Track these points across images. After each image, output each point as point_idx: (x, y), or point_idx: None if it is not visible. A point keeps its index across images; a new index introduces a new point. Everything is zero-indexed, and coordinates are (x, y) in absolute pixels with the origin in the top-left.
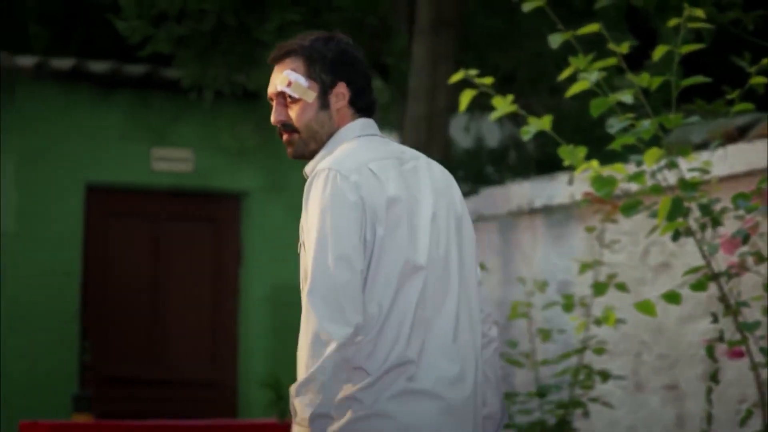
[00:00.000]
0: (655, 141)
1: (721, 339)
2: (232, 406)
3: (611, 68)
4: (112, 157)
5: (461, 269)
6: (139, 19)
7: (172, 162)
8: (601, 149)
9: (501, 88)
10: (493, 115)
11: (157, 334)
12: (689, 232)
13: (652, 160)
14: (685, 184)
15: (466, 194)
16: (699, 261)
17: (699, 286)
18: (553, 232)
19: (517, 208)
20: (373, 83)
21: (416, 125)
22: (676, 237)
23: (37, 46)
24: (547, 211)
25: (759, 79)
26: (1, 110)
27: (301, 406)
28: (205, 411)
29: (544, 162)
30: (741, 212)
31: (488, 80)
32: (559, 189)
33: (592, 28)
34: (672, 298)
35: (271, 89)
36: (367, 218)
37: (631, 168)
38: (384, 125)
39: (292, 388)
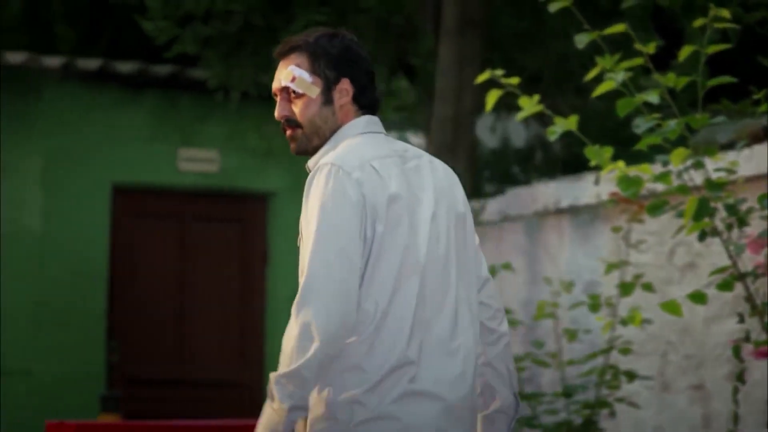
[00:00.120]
0: (681, 141)
1: (747, 339)
2: (259, 406)
3: (638, 68)
4: (139, 158)
5: (461, 268)
6: (165, 19)
7: (199, 162)
8: (628, 149)
9: (527, 89)
10: (520, 115)
11: (184, 334)
12: (715, 232)
13: (678, 160)
14: (711, 184)
15: (492, 194)
16: (725, 261)
17: (725, 286)
18: (580, 233)
19: (543, 208)
20: (376, 82)
21: (442, 126)
22: (702, 237)
23: (64, 47)
24: (574, 211)
25: None
26: (28, 111)
27: (281, 395)
28: (231, 411)
29: (570, 162)
30: (767, 212)
31: (514, 80)
32: (585, 189)
33: (618, 28)
34: (698, 298)
35: (276, 84)
36: (367, 215)
37: (657, 168)
38: (410, 126)
39: (273, 376)
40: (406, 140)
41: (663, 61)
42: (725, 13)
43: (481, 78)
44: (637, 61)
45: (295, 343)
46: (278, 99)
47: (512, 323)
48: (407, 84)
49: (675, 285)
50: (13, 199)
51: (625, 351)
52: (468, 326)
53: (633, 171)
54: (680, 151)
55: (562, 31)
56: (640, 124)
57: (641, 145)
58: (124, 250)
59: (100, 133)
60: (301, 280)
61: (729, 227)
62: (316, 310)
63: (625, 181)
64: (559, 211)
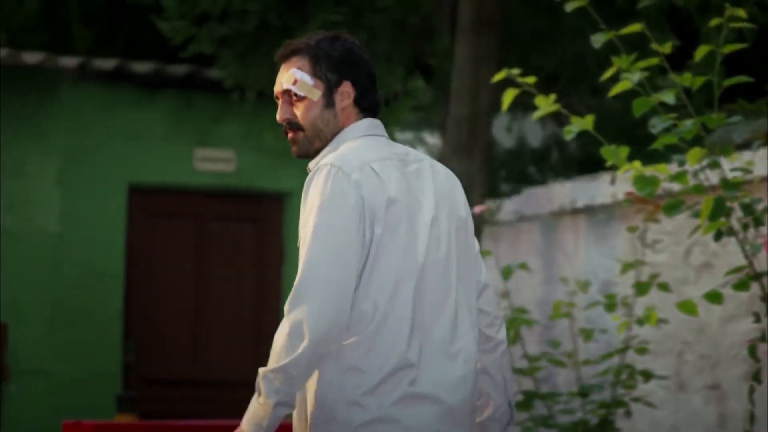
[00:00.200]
0: (697, 141)
1: (763, 339)
2: None
3: (653, 68)
4: (155, 158)
5: (462, 272)
6: (181, 19)
7: (215, 162)
8: (644, 149)
9: (543, 89)
10: (536, 114)
11: (200, 334)
12: (731, 232)
13: (694, 159)
14: (727, 184)
15: (508, 194)
16: (741, 261)
17: (741, 286)
18: (596, 232)
19: (559, 208)
20: (377, 85)
21: (458, 126)
22: (718, 237)
23: (81, 47)
24: (590, 211)
25: None
26: (45, 111)
27: (267, 390)
28: None
29: (586, 162)
30: None
31: (531, 79)
32: (601, 189)
33: (634, 28)
34: (714, 297)
35: (277, 87)
36: (365, 216)
37: (673, 168)
38: (426, 126)
39: (262, 371)
40: (422, 140)
41: (679, 60)
42: (741, 12)
43: (498, 77)
44: (653, 60)
45: (285, 341)
46: (280, 102)
47: (528, 323)
48: (423, 84)
49: (691, 285)
50: (29, 199)
51: (641, 351)
52: (468, 330)
53: (649, 171)
54: (696, 151)
55: (578, 31)
56: (656, 124)
57: (657, 145)
58: (140, 250)
59: (116, 133)
60: (297, 278)
61: (745, 227)
62: (308, 309)
63: (641, 181)
64: (575, 211)
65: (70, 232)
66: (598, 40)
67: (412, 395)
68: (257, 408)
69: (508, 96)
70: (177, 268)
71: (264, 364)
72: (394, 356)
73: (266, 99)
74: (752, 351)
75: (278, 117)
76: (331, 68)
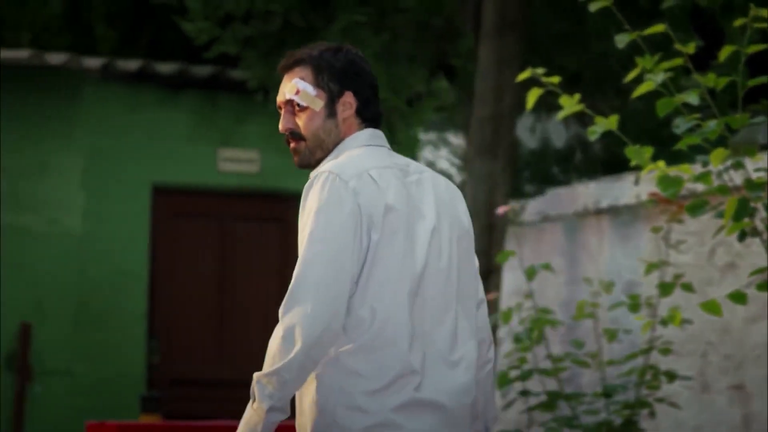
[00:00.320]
0: (721, 141)
1: None
2: None
3: (677, 69)
4: (179, 158)
5: (464, 282)
6: (205, 20)
7: (239, 163)
8: (668, 149)
9: (567, 89)
10: (560, 114)
11: (225, 334)
12: (755, 233)
13: (718, 160)
14: (751, 185)
15: (532, 195)
16: (765, 261)
17: (765, 287)
18: (620, 233)
19: (583, 208)
20: (379, 95)
21: (482, 126)
22: (742, 237)
23: (105, 48)
24: (614, 211)
25: None
26: (69, 111)
27: (262, 395)
28: None
29: (610, 162)
30: None
31: (555, 79)
32: (625, 189)
33: (658, 28)
34: (738, 298)
35: (280, 97)
36: (363, 223)
37: (697, 168)
38: (450, 126)
39: (256, 375)
40: (445, 140)
41: (703, 61)
42: (765, 12)
43: (522, 76)
44: (677, 61)
45: (278, 344)
46: (282, 112)
47: (552, 323)
48: (447, 84)
49: (715, 285)
50: (54, 199)
51: (665, 351)
52: (468, 338)
53: (673, 171)
54: (720, 152)
55: (602, 32)
56: (680, 125)
57: (681, 145)
58: (164, 250)
59: (140, 134)
60: (291, 282)
61: None
62: (302, 314)
63: (665, 182)
64: (599, 212)
65: (94, 232)
66: (621, 40)
67: (418, 401)
68: (251, 413)
69: (533, 95)
70: (201, 269)
71: None
72: (396, 362)
73: None
74: None
75: (281, 127)
76: (333, 79)
